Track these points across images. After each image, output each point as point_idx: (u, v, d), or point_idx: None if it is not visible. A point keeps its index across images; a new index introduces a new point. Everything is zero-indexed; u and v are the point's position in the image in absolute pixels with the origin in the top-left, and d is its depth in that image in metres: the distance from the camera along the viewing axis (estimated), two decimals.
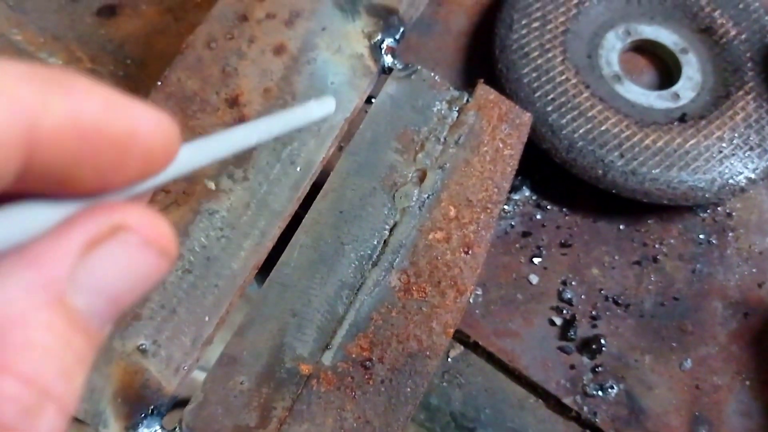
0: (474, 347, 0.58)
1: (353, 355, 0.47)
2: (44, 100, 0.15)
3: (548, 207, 0.64)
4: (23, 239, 0.16)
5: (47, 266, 0.16)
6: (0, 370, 0.15)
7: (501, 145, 0.53)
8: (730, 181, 0.62)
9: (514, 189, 0.64)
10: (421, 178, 0.52)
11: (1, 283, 0.16)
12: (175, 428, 0.44)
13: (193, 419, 0.44)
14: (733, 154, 0.62)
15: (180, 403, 0.45)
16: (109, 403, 0.44)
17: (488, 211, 0.52)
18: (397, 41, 0.54)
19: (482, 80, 0.55)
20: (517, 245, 0.62)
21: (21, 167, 0.15)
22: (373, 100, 0.57)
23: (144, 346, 0.45)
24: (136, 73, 0.65)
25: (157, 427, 0.43)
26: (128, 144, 0.17)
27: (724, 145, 0.63)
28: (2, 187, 0.15)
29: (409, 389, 0.47)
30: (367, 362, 0.47)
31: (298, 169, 0.50)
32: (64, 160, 0.16)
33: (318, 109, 0.43)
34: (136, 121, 0.17)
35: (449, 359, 0.58)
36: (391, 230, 0.50)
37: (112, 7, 0.67)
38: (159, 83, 0.50)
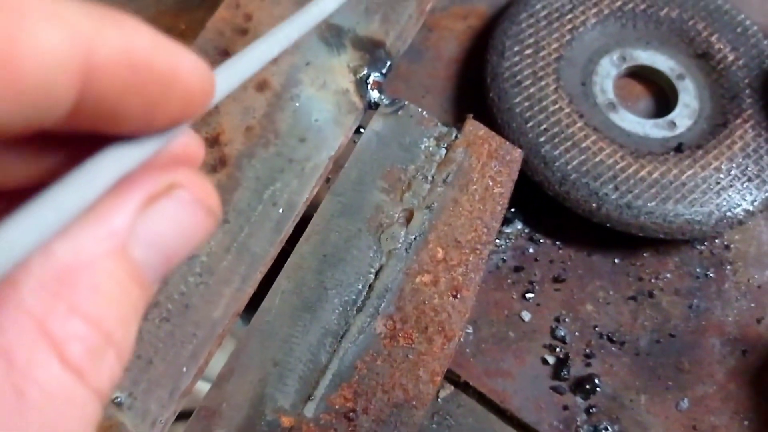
0: (464, 387, 0.57)
1: (336, 406, 0.45)
2: (101, 30, 0.16)
3: (541, 240, 0.62)
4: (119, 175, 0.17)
5: (112, 219, 0.17)
6: (69, 310, 0.16)
7: (491, 183, 0.52)
8: (728, 213, 0.60)
9: (506, 222, 0.62)
10: (408, 218, 0.50)
11: (75, 232, 0.17)
12: None
13: None
14: (731, 186, 0.61)
15: None
16: None
17: (477, 252, 0.50)
18: (384, 75, 0.53)
19: (471, 115, 0.53)
20: (509, 280, 0.60)
21: (78, 96, 0.16)
22: (362, 130, 0.55)
23: (119, 399, 0.43)
24: None
25: None
26: (173, 81, 0.18)
27: (721, 176, 0.61)
28: (57, 118, 0.16)
29: None
30: (351, 413, 0.45)
31: (281, 210, 0.49)
32: (114, 92, 0.16)
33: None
34: (179, 60, 0.18)
35: (439, 400, 0.56)
36: (376, 274, 0.48)
37: None
38: None
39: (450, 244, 0.50)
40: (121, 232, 0.17)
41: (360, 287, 0.48)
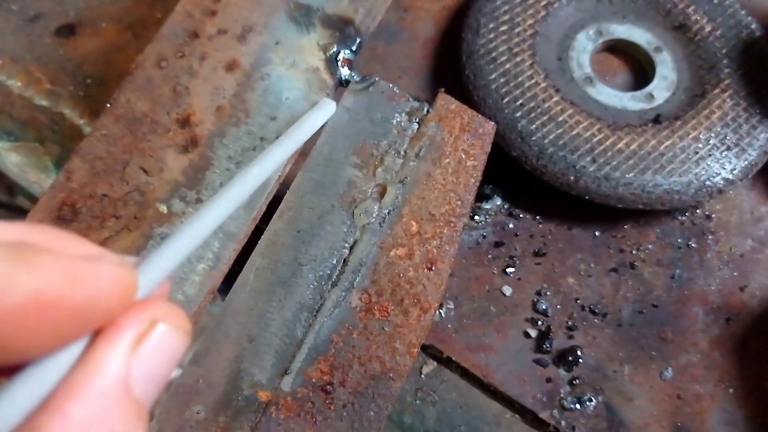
0: (447, 363, 0.57)
1: (313, 380, 0.45)
2: (12, 275, 0.17)
3: (521, 215, 0.62)
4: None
5: (110, 367, 0.19)
6: None
7: (464, 156, 0.52)
8: (707, 182, 0.60)
9: (485, 198, 0.62)
10: (381, 193, 0.50)
11: (81, 387, 0.18)
12: None
13: None
14: (710, 155, 0.61)
15: None
16: None
17: (452, 225, 0.50)
18: (354, 53, 0.53)
19: (443, 90, 0.53)
20: (490, 256, 0.60)
21: None
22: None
23: None
24: (97, 92, 0.64)
25: None
26: (88, 308, 0.19)
27: (700, 145, 0.61)
28: None
29: (372, 413, 0.45)
30: (328, 386, 0.45)
31: None
32: (18, 331, 0.17)
33: (321, 115, 0.43)
34: (96, 288, 0.19)
35: (422, 376, 0.56)
36: (351, 248, 0.49)
37: (71, 26, 0.66)
38: (108, 105, 0.49)
39: (424, 217, 0.50)
40: (122, 377, 0.19)
41: (334, 262, 0.48)
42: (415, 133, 0.52)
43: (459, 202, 0.51)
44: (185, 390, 0.44)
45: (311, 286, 0.47)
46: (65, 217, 0.46)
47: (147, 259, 0.24)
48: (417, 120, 0.52)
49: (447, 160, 0.51)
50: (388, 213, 0.49)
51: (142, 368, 0.20)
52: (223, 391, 0.44)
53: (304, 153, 0.51)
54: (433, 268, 0.49)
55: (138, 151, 0.48)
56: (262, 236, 0.48)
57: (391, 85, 0.52)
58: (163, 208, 0.47)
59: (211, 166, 0.49)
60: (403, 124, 0.52)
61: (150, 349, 0.20)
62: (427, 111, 0.52)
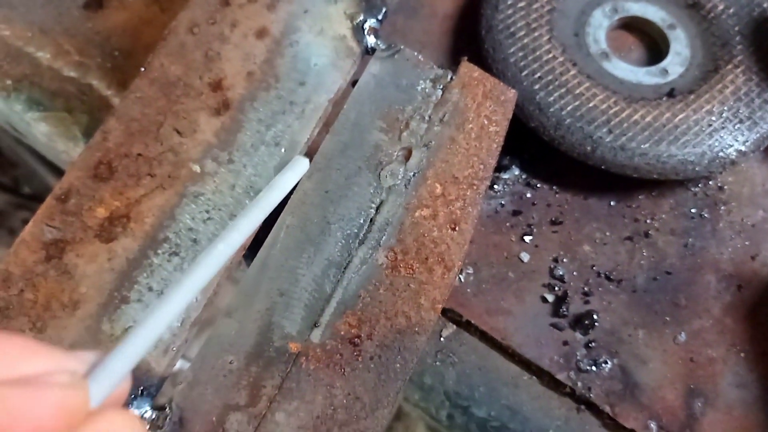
0: (466, 326, 0.58)
1: (342, 333, 0.47)
2: None
3: (538, 185, 0.64)
4: None
5: None
6: None
7: (486, 122, 0.53)
8: (720, 154, 0.61)
9: (503, 168, 0.64)
10: (407, 156, 0.52)
11: None
12: (165, 408, 0.44)
13: (183, 399, 0.44)
14: (723, 128, 0.62)
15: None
16: None
17: (474, 187, 0.52)
18: (380, 21, 0.55)
19: (466, 58, 0.55)
20: (508, 224, 0.62)
21: None
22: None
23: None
24: (124, 64, 0.65)
25: (148, 408, 0.43)
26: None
27: (713, 118, 0.62)
28: None
29: (398, 365, 0.47)
30: (356, 339, 0.47)
31: (283, 150, 0.50)
32: None
33: (292, 176, 0.43)
34: (37, 418, 0.18)
35: (442, 339, 0.58)
36: (377, 209, 0.50)
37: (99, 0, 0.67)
38: (143, 69, 0.51)
39: (448, 180, 0.51)
40: None
41: (362, 221, 0.50)
42: (439, 99, 0.53)
43: (482, 166, 0.52)
44: (219, 341, 0.46)
45: (339, 243, 0.49)
46: (102, 175, 0.48)
47: (103, 363, 0.23)
48: (441, 87, 0.54)
49: (470, 126, 0.53)
50: (413, 175, 0.51)
51: None
52: (255, 343, 0.46)
53: (329, 121, 0.53)
54: (457, 229, 0.50)
55: (172, 113, 0.50)
56: (292, 196, 0.50)
57: (416, 53, 0.54)
58: (196, 168, 0.49)
59: (242, 128, 0.50)
60: (427, 90, 0.54)
61: None
62: (451, 78, 0.54)
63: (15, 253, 0.45)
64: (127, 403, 0.44)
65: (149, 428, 0.44)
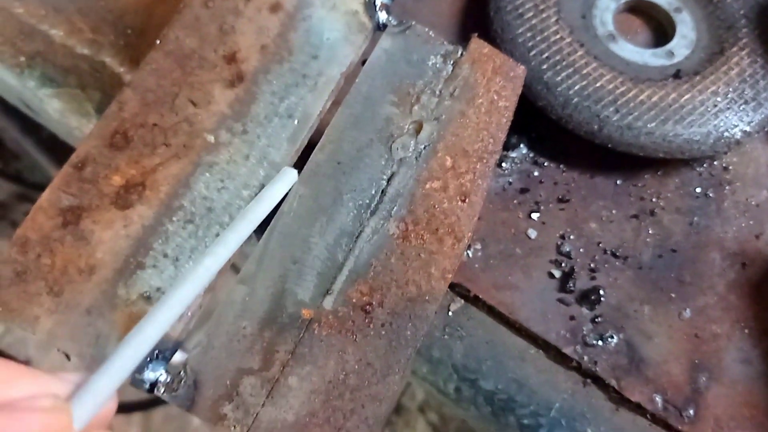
0: (474, 301, 0.59)
1: (354, 300, 0.47)
2: None
3: (545, 164, 0.65)
4: None
5: None
6: None
7: (496, 97, 0.54)
8: (726, 134, 0.62)
9: (511, 147, 0.64)
10: (418, 129, 0.52)
11: None
12: (179, 372, 0.45)
13: (197, 363, 0.45)
14: (728, 108, 0.63)
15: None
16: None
17: (484, 161, 0.52)
18: None
19: (476, 34, 0.55)
20: (515, 201, 0.63)
21: None
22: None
23: (148, 294, 0.45)
24: (137, 42, 0.66)
25: (162, 371, 0.44)
26: None
27: (718, 99, 0.63)
28: None
29: (409, 332, 0.48)
30: (368, 306, 0.47)
31: (296, 122, 0.51)
32: None
33: (281, 187, 0.43)
34: None
35: (450, 313, 0.58)
36: (388, 180, 0.51)
37: None
38: (158, 42, 0.51)
39: (458, 153, 0.52)
40: None
41: (373, 192, 0.50)
42: (449, 74, 0.54)
43: (491, 140, 0.53)
44: (233, 307, 0.47)
45: (351, 213, 0.50)
46: (118, 144, 0.49)
47: (87, 385, 0.23)
48: (451, 62, 0.54)
49: (480, 101, 0.54)
50: (424, 148, 0.52)
51: None
52: (268, 309, 0.47)
53: (341, 95, 0.54)
54: (467, 201, 0.51)
55: (187, 85, 0.51)
56: (305, 167, 0.51)
57: (426, 29, 0.55)
58: (211, 138, 0.50)
59: (256, 100, 0.51)
60: (438, 65, 0.54)
61: None
62: (461, 54, 0.55)
63: (32, 219, 0.46)
64: (142, 367, 0.44)
65: (164, 391, 0.44)
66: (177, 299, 0.28)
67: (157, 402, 1.79)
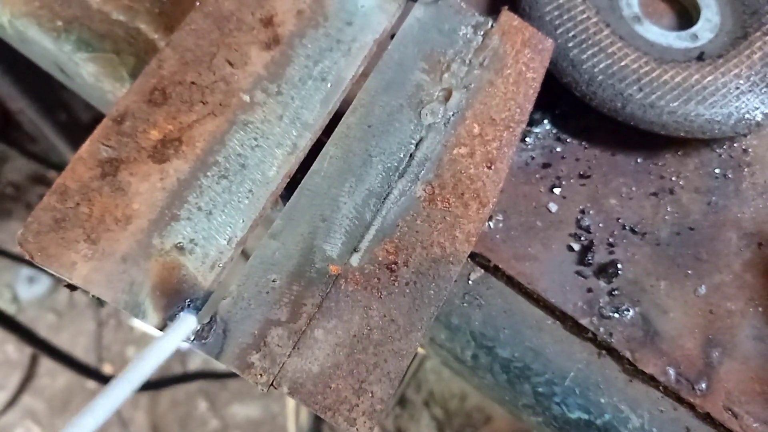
0: (494, 271, 0.60)
1: (380, 258, 0.49)
2: None
3: (568, 140, 0.66)
4: None
5: None
6: None
7: (524, 69, 0.55)
8: (747, 116, 0.63)
9: (534, 123, 0.65)
10: (447, 97, 0.54)
11: None
12: (210, 320, 0.46)
13: (227, 313, 0.46)
14: (750, 91, 0.64)
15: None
16: (148, 296, 0.46)
17: (510, 129, 0.54)
18: None
19: (506, 7, 0.57)
20: (537, 176, 0.64)
21: None
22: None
23: (181, 244, 0.47)
24: (171, 10, 0.67)
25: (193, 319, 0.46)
26: None
27: (741, 81, 0.64)
28: None
29: (432, 292, 0.49)
30: (393, 265, 0.49)
31: (329, 85, 0.52)
32: None
33: (175, 335, 0.43)
34: None
35: (470, 282, 0.60)
36: (417, 144, 0.52)
37: None
38: (198, 3, 0.53)
39: (485, 121, 0.53)
40: None
41: (402, 155, 0.52)
42: (479, 44, 0.55)
43: (518, 110, 0.54)
44: (262, 261, 0.48)
45: (380, 175, 0.51)
46: (156, 100, 0.50)
47: None
48: (482, 33, 0.56)
49: (508, 71, 0.55)
50: (453, 115, 0.53)
51: None
52: (297, 263, 0.48)
53: (374, 60, 0.55)
54: (492, 168, 0.52)
55: (224, 46, 0.52)
56: (336, 129, 0.52)
57: (459, 0, 0.56)
58: (246, 98, 0.51)
59: (291, 62, 0.52)
60: (468, 36, 0.55)
61: None
62: (492, 25, 0.56)
63: (72, 169, 0.47)
64: (174, 315, 0.46)
65: (194, 339, 0.46)
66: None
67: (162, 383, 1.81)
